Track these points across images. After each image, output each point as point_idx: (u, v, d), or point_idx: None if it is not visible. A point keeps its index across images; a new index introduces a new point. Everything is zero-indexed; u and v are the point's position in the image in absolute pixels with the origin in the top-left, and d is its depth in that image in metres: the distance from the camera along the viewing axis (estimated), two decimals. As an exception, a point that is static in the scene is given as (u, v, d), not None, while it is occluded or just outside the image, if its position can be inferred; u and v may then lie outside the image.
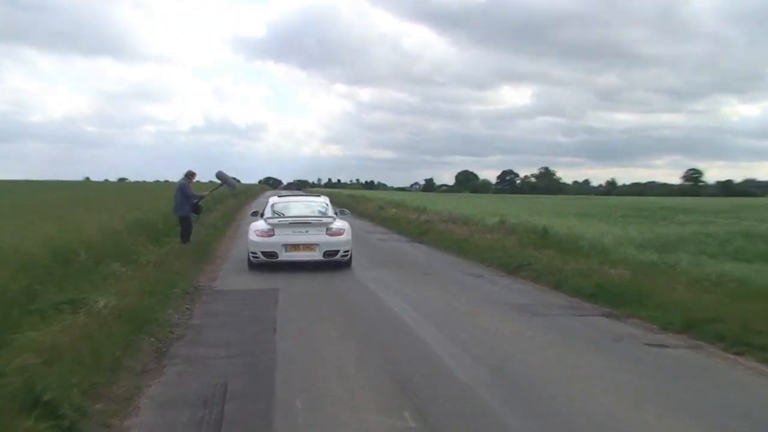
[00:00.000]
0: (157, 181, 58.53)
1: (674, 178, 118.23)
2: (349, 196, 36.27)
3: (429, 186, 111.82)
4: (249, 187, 55.82)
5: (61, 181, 58.26)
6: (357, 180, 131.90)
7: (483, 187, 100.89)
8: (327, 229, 9.57)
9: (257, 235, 9.58)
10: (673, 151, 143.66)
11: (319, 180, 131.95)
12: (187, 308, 6.29)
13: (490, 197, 55.03)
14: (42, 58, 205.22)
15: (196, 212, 10.73)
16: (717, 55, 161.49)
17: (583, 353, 4.77)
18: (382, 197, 31.78)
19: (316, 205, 10.70)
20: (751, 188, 71.74)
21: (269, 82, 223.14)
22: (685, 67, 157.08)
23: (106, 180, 77.47)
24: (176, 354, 4.68)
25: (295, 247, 9.43)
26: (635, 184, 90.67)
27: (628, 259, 8.32)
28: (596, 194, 74.39)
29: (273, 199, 10.79)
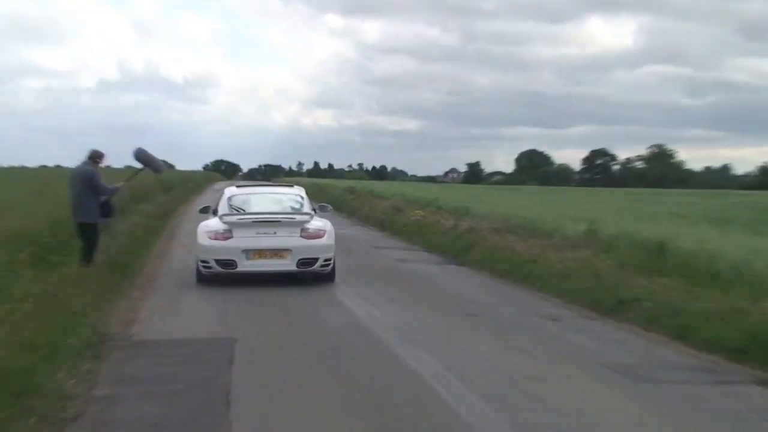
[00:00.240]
0: (44, 166, 56.32)
1: None
2: (348, 190, 36.48)
3: (474, 174, 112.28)
4: (187, 176, 55.79)
5: None
6: (360, 166, 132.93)
7: (560, 175, 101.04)
8: (302, 229, 10.88)
9: (209, 238, 10.82)
10: None
11: (300, 165, 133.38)
12: (88, 370, 6.30)
13: (572, 192, 55.35)
14: None
15: (106, 215, 10.77)
16: None
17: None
18: (401, 192, 31.88)
19: (288, 198, 11.96)
20: None
21: (222, 11, 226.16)
22: None
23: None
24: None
25: (260, 253, 10.74)
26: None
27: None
28: (741, 187, 72.96)
29: (230, 191, 12.09)
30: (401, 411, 5.31)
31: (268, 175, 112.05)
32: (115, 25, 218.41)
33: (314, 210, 11.92)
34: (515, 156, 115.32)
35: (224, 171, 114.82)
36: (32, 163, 64.27)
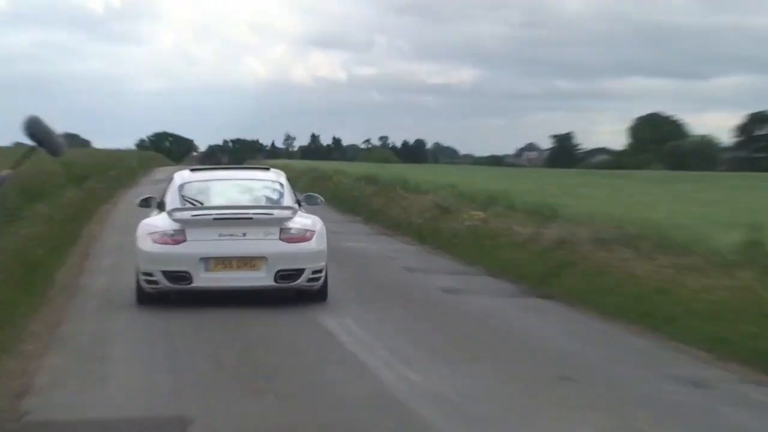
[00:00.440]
0: None
1: None
2: (366, 180, 35.59)
3: (564, 153, 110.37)
4: (113, 159, 55.07)
5: None
6: (383, 141, 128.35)
7: (700, 153, 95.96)
8: (282, 229, 11.65)
9: (154, 242, 11.55)
10: None
11: (289, 141, 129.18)
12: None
13: (720, 179, 52.57)
14: None
15: None
16: None
17: None
18: (449, 183, 30.91)
19: (262, 186, 12.90)
20: None
21: None
22: None
23: None
24: None
25: (224, 262, 11.48)
26: None
27: None
28: None
29: (182, 176, 12.92)
30: None
31: (240, 155, 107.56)
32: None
33: (298, 203, 12.60)
34: (628, 124, 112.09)
35: (170, 150, 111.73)
36: None
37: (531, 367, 9.28)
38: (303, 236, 11.55)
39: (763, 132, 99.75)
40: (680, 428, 7.32)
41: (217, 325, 10.76)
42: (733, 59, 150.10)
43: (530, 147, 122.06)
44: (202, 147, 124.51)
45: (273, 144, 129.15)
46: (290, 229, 11.55)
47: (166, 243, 11.28)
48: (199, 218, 11.48)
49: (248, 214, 11.53)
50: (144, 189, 33.98)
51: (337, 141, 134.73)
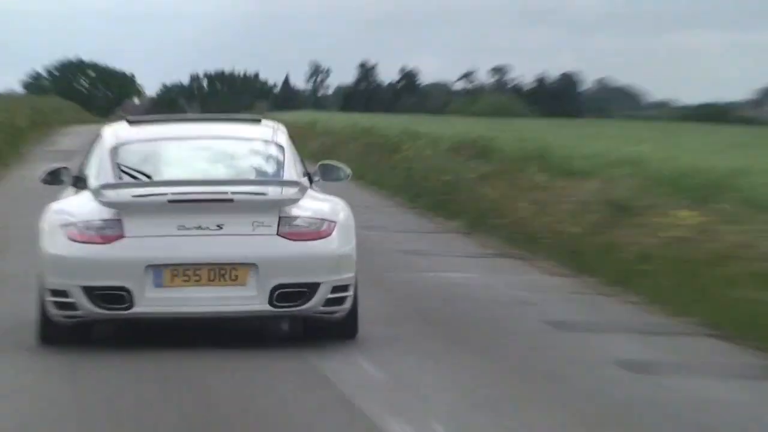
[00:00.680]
0: None
1: None
2: (468, 151, 27.49)
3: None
4: None
5: None
6: (500, 76, 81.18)
7: None
8: (282, 219, 9.09)
9: (71, 239, 8.99)
10: None
11: (319, 75, 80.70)
12: None
13: None
14: None
15: None
16: None
17: None
18: (625, 156, 23.90)
19: (248, 149, 10.17)
20: None
21: None
22: None
23: None
24: None
25: (188, 273, 8.89)
26: None
27: None
28: None
29: (116, 134, 10.11)
30: None
31: (224, 102, 74.19)
32: None
33: (309, 177, 9.98)
34: None
35: (90, 94, 75.91)
36: None
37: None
38: (317, 230, 9.00)
39: None
40: None
41: (170, 386, 7.78)
42: None
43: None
44: (153, 88, 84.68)
45: (287, 81, 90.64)
46: (295, 218, 9.02)
47: (90, 241, 8.74)
48: (146, 200, 8.91)
49: (226, 193, 9.00)
50: (38, 167, 22.54)
51: (409, 76, 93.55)
